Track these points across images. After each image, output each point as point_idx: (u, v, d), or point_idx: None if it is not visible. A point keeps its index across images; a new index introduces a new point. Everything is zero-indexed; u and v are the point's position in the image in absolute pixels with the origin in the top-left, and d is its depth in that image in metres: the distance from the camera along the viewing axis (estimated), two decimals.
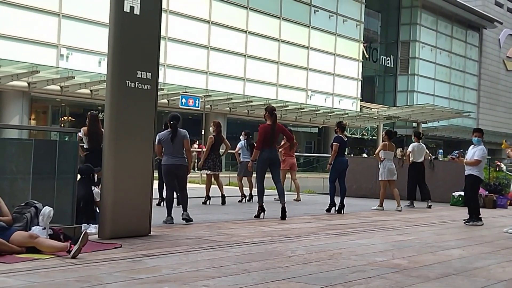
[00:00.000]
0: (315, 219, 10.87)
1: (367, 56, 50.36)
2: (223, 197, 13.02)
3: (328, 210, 12.19)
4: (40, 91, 27.50)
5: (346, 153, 12.86)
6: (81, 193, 7.92)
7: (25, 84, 26.62)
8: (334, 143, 12.40)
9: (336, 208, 12.23)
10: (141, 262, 6.01)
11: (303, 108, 38.34)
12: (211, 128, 13.35)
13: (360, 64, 45.61)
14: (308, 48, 40.96)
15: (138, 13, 7.67)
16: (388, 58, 55.40)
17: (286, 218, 10.36)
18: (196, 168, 15.48)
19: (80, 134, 10.45)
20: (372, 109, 47.06)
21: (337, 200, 12.34)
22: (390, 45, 55.80)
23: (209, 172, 13.06)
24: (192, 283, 5.02)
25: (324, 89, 42.22)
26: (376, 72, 55.31)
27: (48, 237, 6.41)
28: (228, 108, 35.32)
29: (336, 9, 43.10)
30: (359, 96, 45.57)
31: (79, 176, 8.01)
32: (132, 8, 7.60)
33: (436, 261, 6.72)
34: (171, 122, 9.42)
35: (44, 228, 6.50)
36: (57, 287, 4.70)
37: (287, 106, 36.86)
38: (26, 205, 6.81)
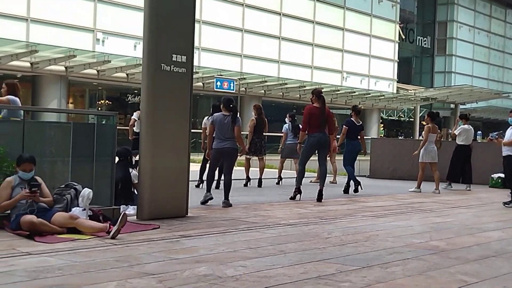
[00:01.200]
0: (351, 201, 10.83)
1: (403, 37, 49.67)
2: (260, 181, 13.09)
3: (356, 191, 12.17)
4: (77, 75, 27.85)
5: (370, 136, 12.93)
6: (119, 175, 8.02)
7: (63, 68, 26.99)
8: (343, 126, 12.81)
9: (343, 189, 12.42)
10: (179, 242, 6.08)
11: (339, 90, 38.07)
12: (253, 111, 13.42)
13: (396, 45, 45.03)
14: (343, 29, 40.58)
15: None
16: (425, 38, 54.55)
17: (322, 201, 10.35)
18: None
19: (134, 117, 10.52)
20: (409, 91, 46.50)
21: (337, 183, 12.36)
22: (427, 26, 54.91)
23: (254, 156, 13.18)
24: (229, 264, 5.07)
25: (359, 71, 41.85)
26: (413, 53, 54.55)
27: (88, 218, 6.53)
28: (263, 91, 35.27)
29: None
30: (395, 77, 45.04)
31: (117, 159, 8.11)
32: None
33: (475, 243, 6.64)
34: (231, 105, 9.39)
35: (84, 209, 6.62)
36: (97, 266, 4.79)
37: (322, 88, 36.45)
38: (66, 186, 6.93)
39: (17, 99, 8.62)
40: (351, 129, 12.66)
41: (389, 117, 49.69)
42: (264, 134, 13.34)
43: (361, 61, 42.08)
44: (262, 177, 13.21)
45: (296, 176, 10.86)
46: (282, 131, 14.44)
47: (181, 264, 5.01)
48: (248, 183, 13.12)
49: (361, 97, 40.40)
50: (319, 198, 10.38)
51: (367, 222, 8.17)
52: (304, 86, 35.82)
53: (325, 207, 9.67)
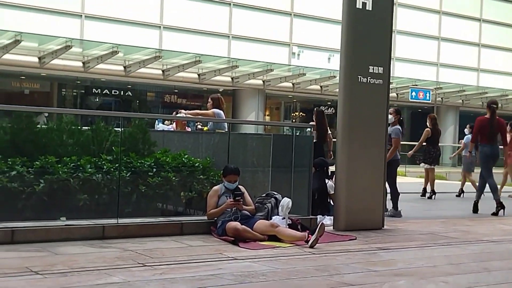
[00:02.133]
0: None
1: None
2: (424, 190, 13.11)
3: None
4: (274, 88, 28.89)
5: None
6: (316, 186, 8.19)
7: (260, 82, 28.17)
8: None
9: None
10: (376, 255, 6.06)
11: None
12: (428, 121, 13.23)
13: None
14: None
15: (370, 9, 7.73)
16: None
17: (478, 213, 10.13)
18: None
19: None
20: None
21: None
22: None
23: (426, 166, 13.12)
24: (430, 279, 4.95)
25: None
26: None
27: (287, 226, 6.75)
28: (461, 101, 33.83)
29: None
30: None
31: (313, 169, 8.28)
32: (364, 4, 7.68)
33: None
34: (401, 118, 10.00)
35: (284, 218, 6.85)
36: (298, 274, 4.94)
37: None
38: (267, 196, 7.23)
39: (221, 112, 9.16)
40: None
41: None
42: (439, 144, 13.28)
43: None
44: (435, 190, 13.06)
45: (490, 191, 10.33)
46: (463, 141, 14.07)
47: (380, 276, 4.99)
48: (433, 196, 12.93)
49: None
50: (475, 209, 10.22)
51: None
52: (507, 95, 33.72)
53: None
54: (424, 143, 12.99)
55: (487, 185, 10.29)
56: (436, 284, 4.77)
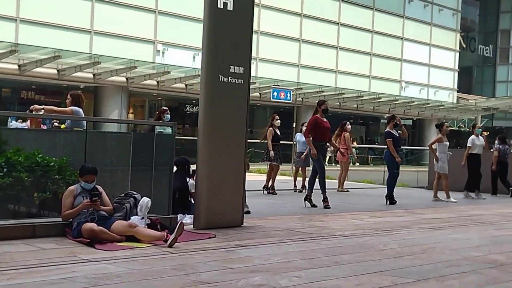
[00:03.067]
0: (408, 213, 10.70)
1: (464, 46, 48.70)
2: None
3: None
4: (138, 86, 28.46)
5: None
6: (177, 185, 8.15)
7: (124, 79, 27.63)
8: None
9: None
10: (234, 252, 6.15)
11: (397, 100, 37.62)
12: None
13: (457, 54, 44.18)
14: (402, 38, 40.12)
15: (231, 9, 7.82)
16: (487, 47, 53.35)
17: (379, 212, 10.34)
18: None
19: None
20: (470, 101, 45.52)
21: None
22: (489, 34, 53.71)
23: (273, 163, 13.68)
24: (283, 274, 5.10)
25: (418, 80, 41.24)
26: (474, 62, 53.40)
27: (146, 226, 6.67)
28: None
29: None
30: (455, 87, 44.18)
31: (175, 168, 8.26)
32: (225, 4, 7.76)
33: None
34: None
35: (143, 218, 6.77)
36: (154, 274, 4.90)
37: (380, 98, 36.33)
38: (126, 195, 7.11)
39: (80, 109, 8.88)
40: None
41: (449, 128, 48.69)
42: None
43: (421, 70, 41.47)
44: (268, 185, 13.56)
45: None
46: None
47: (236, 273, 5.07)
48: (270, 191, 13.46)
49: (420, 107, 39.82)
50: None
51: (424, 234, 8.06)
52: (362, 96, 35.55)
53: (382, 219, 9.59)
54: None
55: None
56: (289, 279, 4.93)
